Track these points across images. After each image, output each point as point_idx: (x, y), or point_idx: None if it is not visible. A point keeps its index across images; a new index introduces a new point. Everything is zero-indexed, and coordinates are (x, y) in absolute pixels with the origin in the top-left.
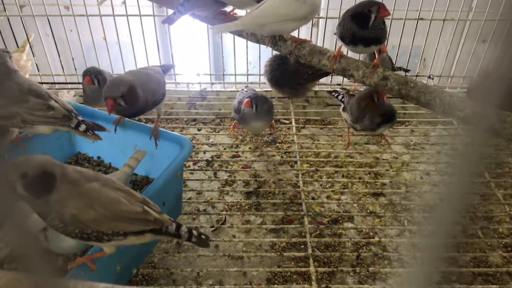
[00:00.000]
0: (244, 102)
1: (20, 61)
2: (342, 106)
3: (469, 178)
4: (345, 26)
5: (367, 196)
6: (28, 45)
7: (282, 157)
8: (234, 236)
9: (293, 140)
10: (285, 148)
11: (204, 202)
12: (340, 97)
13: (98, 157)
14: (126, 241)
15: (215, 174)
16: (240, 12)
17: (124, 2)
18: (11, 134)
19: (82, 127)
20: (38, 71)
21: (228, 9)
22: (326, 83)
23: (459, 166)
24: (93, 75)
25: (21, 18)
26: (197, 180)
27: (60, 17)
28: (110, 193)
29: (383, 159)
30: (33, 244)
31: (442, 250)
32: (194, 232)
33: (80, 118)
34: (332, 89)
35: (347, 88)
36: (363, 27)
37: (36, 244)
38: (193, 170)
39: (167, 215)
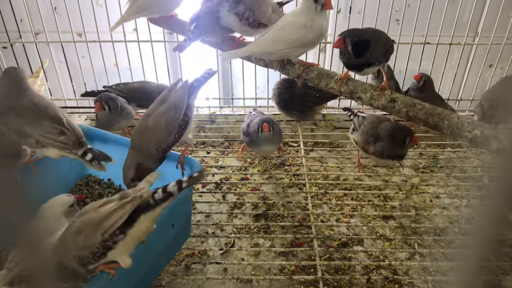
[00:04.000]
0: (263, 125)
1: (34, 86)
2: (352, 127)
3: (499, 207)
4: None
5: (377, 219)
6: (42, 71)
7: (290, 179)
8: (243, 259)
9: (301, 163)
10: (293, 170)
11: (212, 224)
12: (351, 116)
13: (109, 179)
14: (129, 237)
15: (223, 196)
16: (248, 38)
17: (136, 29)
18: (25, 156)
19: (89, 156)
20: (51, 95)
21: (237, 35)
22: (334, 106)
23: (492, 196)
24: (104, 101)
25: (36, 44)
26: (206, 202)
27: (73, 44)
28: (90, 213)
29: (392, 182)
30: (44, 266)
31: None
32: (183, 179)
33: (88, 146)
34: (345, 107)
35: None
36: (342, 54)
37: (47, 265)
38: (202, 192)
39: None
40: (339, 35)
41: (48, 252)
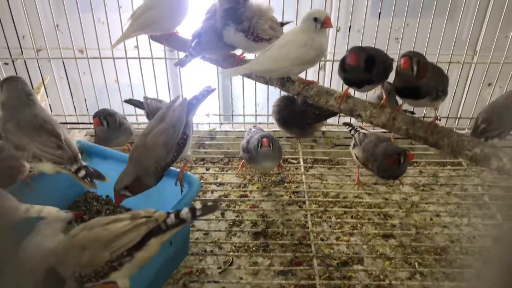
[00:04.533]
0: (263, 140)
1: None
2: (353, 143)
3: None
4: (338, 69)
5: (377, 237)
6: (43, 87)
7: (290, 197)
8: (241, 278)
9: (301, 180)
10: (293, 188)
11: (211, 242)
12: (352, 131)
13: (107, 196)
14: (135, 260)
15: (222, 214)
16: (248, 55)
17: (137, 46)
18: (24, 172)
19: (81, 173)
20: (51, 111)
21: (238, 52)
22: (334, 123)
23: None
24: (102, 117)
25: (37, 61)
26: (204, 220)
27: (74, 60)
28: (97, 229)
29: (392, 200)
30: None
31: None
32: (197, 206)
33: (83, 163)
34: (346, 122)
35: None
36: (344, 70)
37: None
38: None
39: (163, 212)
40: (353, 51)
41: (37, 260)
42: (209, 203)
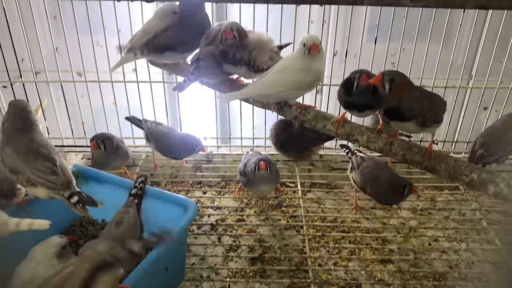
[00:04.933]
0: (260, 163)
1: None
2: (350, 166)
3: None
4: (339, 92)
5: (375, 263)
6: (40, 109)
7: (287, 221)
8: None
9: (298, 204)
10: (290, 212)
11: (207, 268)
12: (349, 154)
13: (103, 220)
14: None
15: (219, 238)
16: (246, 80)
17: (135, 69)
18: (19, 196)
19: (74, 198)
20: (48, 134)
21: (235, 76)
22: (331, 147)
23: None
24: (99, 140)
25: (35, 84)
26: (201, 245)
27: (73, 83)
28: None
29: (390, 225)
30: None
31: None
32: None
33: (77, 189)
34: (342, 144)
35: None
36: (349, 93)
37: None
38: (197, 234)
39: None
40: (362, 72)
41: None
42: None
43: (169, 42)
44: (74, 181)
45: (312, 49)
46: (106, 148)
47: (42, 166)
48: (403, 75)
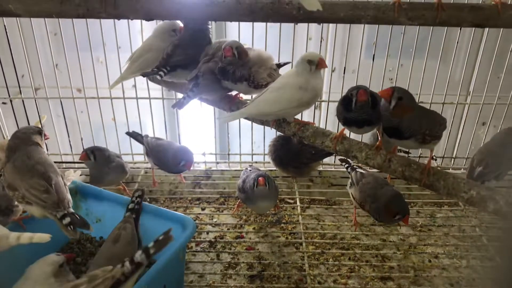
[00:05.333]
0: (259, 179)
1: None
2: (350, 182)
3: None
4: (338, 108)
5: (375, 280)
6: (39, 126)
7: (287, 238)
8: None
9: (298, 221)
10: (290, 228)
11: (206, 286)
12: (348, 168)
13: (101, 238)
14: None
15: (218, 256)
16: (245, 96)
17: (135, 86)
18: (16, 213)
19: (66, 220)
20: (47, 150)
21: (234, 92)
22: (330, 163)
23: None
24: (89, 151)
25: (35, 100)
26: (199, 262)
27: (72, 99)
28: None
29: (390, 241)
30: None
31: None
32: (149, 244)
33: (70, 210)
34: (342, 158)
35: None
36: (348, 110)
37: None
38: (196, 251)
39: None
40: (360, 88)
41: None
42: (160, 237)
43: (182, 60)
44: (68, 201)
45: (321, 63)
46: (96, 158)
47: (36, 184)
48: (411, 96)
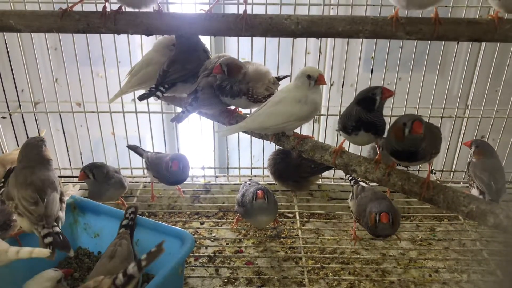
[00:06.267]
0: (258, 192)
1: None
2: (351, 195)
3: None
4: (350, 113)
5: None
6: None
7: (286, 252)
8: None
9: (297, 235)
10: (289, 243)
11: None
12: (352, 181)
13: (99, 252)
14: None
15: (217, 271)
16: (243, 110)
17: (134, 100)
18: (13, 228)
19: (48, 239)
20: None
21: (233, 107)
22: (329, 176)
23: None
24: (88, 169)
25: (34, 114)
26: (198, 277)
27: (71, 114)
28: None
29: (390, 256)
30: None
31: None
32: (142, 257)
33: (56, 229)
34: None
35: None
36: (370, 110)
37: None
38: (195, 266)
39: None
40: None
41: None
42: (152, 249)
43: (181, 75)
44: (58, 219)
45: (320, 80)
46: (95, 177)
47: (28, 195)
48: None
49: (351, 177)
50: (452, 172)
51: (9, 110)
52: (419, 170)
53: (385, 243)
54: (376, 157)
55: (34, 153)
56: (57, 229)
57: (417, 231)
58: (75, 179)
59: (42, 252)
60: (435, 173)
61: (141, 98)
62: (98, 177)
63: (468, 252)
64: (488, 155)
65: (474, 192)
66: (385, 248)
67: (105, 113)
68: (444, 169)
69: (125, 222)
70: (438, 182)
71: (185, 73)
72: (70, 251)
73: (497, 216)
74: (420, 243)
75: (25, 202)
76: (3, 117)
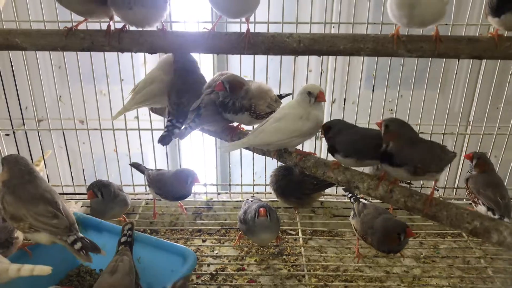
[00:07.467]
0: (260, 210)
1: None
2: (352, 213)
3: None
4: None
5: None
6: (42, 161)
7: (289, 270)
8: None
9: (300, 252)
10: (292, 260)
11: None
12: (351, 198)
13: (101, 270)
14: None
15: None
16: (246, 126)
17: (137, 117)
18: (16, 245)
19: (78, 245)
20: (48, 181)
21: (235, 123)
22: (332, 193)
23: None
24: (96, 188)
25: (38, 132)
26: None
27: (74, 131)
28: None
29: (394, 273)
30: None
31: None
32: None
33: (80, 235)
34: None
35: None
36: None
37: None
38: (196, 284)
39: None
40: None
41: None
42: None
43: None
44: (76, 225)
45: (320, 97)
46: (103, 196)
47: (44, 210)
48: (402, 126)
49: (349, 193)
50: (455, 189)
51: (12, 127)
52: (421, 187)
53: (388, 261)
54: (381, 173)
55: (21, 166)
56: (80, 234)
57: (421, 248)
58: (77, 196)
59: (43, 270)
60: (437, 190)
61: (164, 143)
62: (105, 196)
63: (472, 270)
64: (489, 168)
65: (480, 209)
66: (389, 266)
67: (108, 130)
68: (446, 186)
69: (123, 239)
70: (441, 199)
71: (198, 96)
72: (101, 252)
73: (501, 233)
74: (423, 260)
75: (43, 218)
76: (7, 134)
